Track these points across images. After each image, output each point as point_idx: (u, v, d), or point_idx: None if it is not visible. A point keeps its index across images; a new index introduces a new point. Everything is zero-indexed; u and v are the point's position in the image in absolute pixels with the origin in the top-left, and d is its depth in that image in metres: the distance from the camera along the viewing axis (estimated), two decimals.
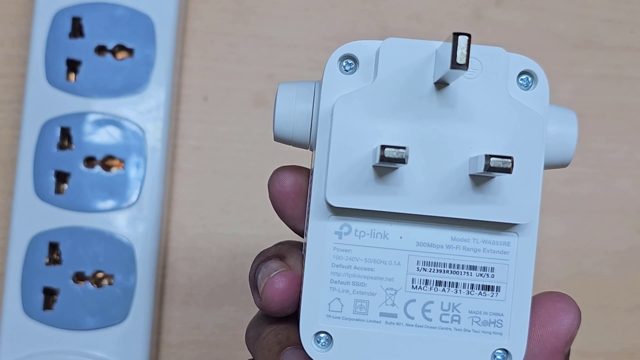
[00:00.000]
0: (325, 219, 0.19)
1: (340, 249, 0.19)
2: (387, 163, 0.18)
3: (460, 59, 0.17)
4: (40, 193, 0.34)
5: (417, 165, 0.19)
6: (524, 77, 0.19)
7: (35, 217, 0.33)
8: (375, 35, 0.38)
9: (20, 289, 0.33)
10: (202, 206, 0.37)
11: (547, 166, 0.20)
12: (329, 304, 0.19)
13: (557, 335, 0.20)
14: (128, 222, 0.34)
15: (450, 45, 0.17)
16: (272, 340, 0.21)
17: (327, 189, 0.19)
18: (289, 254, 0.21)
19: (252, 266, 0.22)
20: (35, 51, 0.34)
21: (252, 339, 0.22)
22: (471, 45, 0.18)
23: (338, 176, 0.19)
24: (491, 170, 0.17)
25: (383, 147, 0.18)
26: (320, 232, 0.19)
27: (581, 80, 0.39)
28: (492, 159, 0.17)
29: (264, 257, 0.21)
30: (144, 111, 0.34)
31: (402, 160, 0.18)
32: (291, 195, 0.21)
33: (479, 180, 0.19)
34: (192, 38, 0.37)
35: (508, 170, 0.17)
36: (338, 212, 0.19)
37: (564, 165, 0.20)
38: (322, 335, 0.19)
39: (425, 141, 0.19)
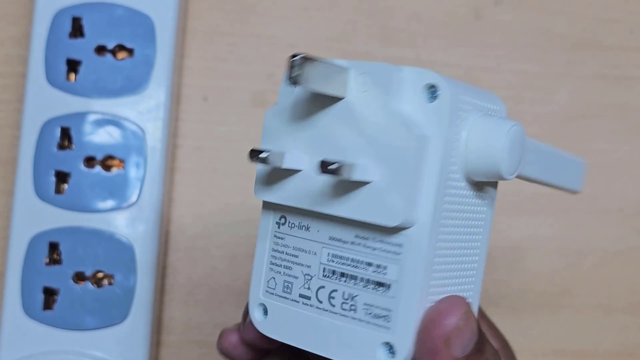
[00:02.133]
0: (271, 211, 0.23)
1: (278, 236, 0.23)
2: (258, 163, 0.21)
3: (291, 76, 0.19)
4: (40, 193, 0.34)
5: (311, 169, 0.21)
6: (432, 89, 0.21)
7: (35, 217, 0.33)
8: (375, 35, 0.38)
9: (20, 289, 0.33)
10: (202, 206, 0.37)
11: (482, 177, 0.21)
12: (267, 281, 0.23)
13: (437, 334, 0.20)
14: (128, 222, 0.34)
15: (339, 68, 0.20)
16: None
17: (254, 186, 0.23)
18: None
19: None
20: (35, 51, 0.34)
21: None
22: (363, 62, 0.21)
23: (259, 177, 0.23)
24: (325, 172, 0.19)
25: (250, 150, 0.21)
26: (266, 221, 0.23)
27: (580, 80, 0.39)
28: (322, 162, 0.19)
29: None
30: (144, 111, 0.34)
31: (265, 161, 0.21)
32: (237, 346, 0.25)
33: (355, 185, 0.21)
34: (192, 38, 0.37)
35: (338, 173, 0.19)
36: (274, 207, 0.23)
37: (500, 178, 0.21)
38: (262, 308, 0.23)
39: (317, 147, 0.21)
